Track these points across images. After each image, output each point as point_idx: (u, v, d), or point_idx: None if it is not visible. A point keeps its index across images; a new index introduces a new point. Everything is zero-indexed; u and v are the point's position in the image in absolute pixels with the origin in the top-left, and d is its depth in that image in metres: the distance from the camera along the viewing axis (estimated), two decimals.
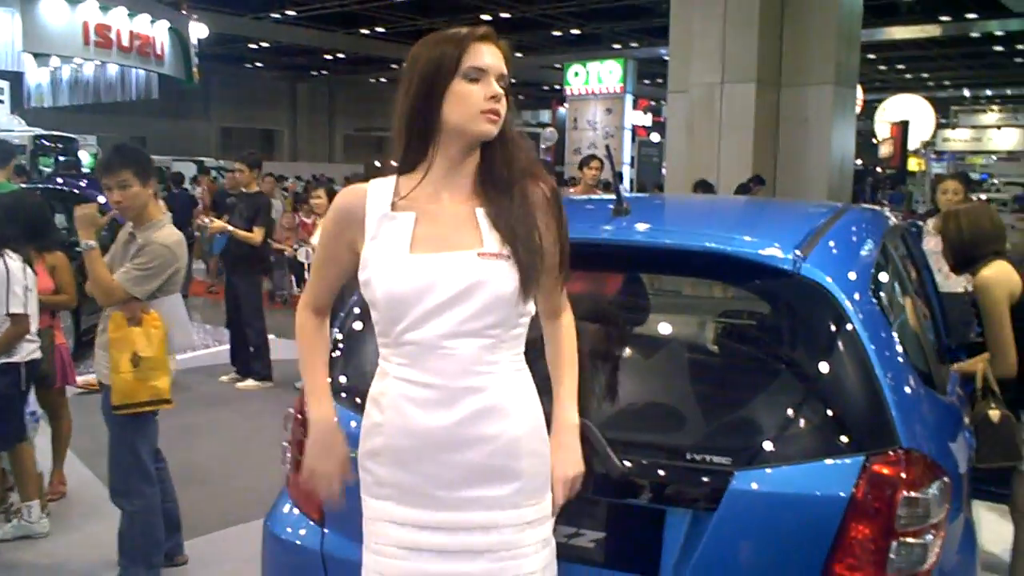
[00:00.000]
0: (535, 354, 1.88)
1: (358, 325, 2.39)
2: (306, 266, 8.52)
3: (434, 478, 1.74)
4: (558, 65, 24.27)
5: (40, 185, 9.14)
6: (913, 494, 1.87)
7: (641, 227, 2.38)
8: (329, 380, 1.98)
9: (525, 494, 1.76)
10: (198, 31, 19.59)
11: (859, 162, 17.43)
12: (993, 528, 3.88)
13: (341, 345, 2.43)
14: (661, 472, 1.96)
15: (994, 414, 3.07)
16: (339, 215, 1.87)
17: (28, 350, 4.07)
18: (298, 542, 2.35)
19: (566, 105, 23.19)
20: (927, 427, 2.09)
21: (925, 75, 35.57)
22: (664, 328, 2.67)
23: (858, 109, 12.55)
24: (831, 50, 10.39)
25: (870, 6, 12.36)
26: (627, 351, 2.39)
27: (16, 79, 17.85)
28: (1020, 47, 27.97)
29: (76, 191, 8.40)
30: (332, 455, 1.89)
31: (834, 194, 10.46)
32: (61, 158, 17.12)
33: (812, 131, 10.55)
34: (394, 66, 35.44)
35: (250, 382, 7.43)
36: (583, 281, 2.35)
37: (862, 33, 11.53)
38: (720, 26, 10.35)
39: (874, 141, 24.12)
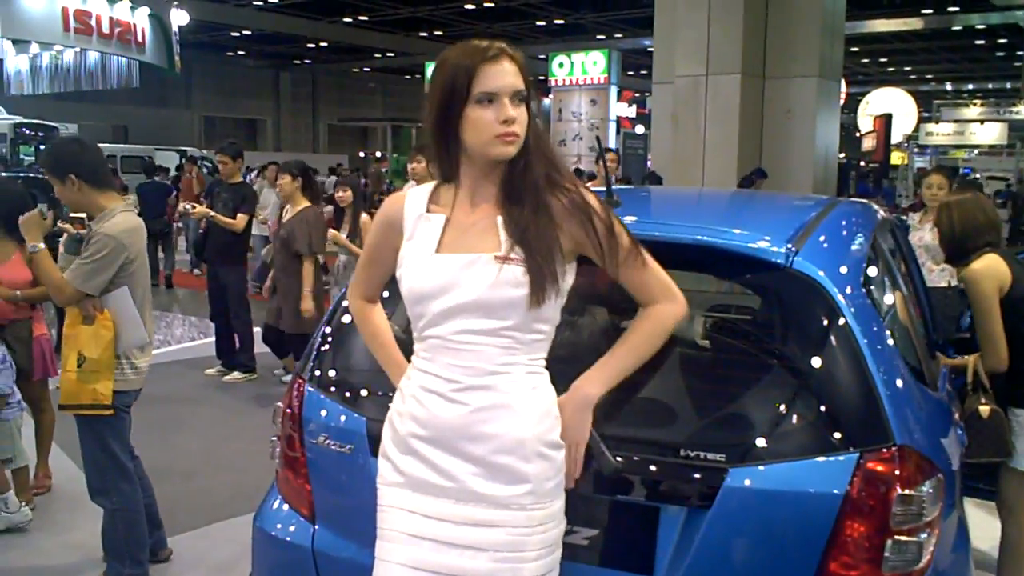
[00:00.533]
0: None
1: (346, 319, 2.36)
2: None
3: (445, 469, 1.80)
4: (543, 56, 24.21)
5: (21, 174, 9.04)
6: (907, 491, 1.87)
7: (631, 220, 2.36)
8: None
9: (534, 497, 1.79)
10: (179, 18, 19.34)
11: (842, 155, 17.47)
12: (980, 524, 3.89)
13: (330, 339, 2.41)
14: (655, 469, 1.95)
15: (984, 409, 3.08)
16: (382, 224, 2.00)
17: None
18: (288, 539, 2.33)
19: (551, 96, 23.11)
20: (920, 423, 2.08)
21: (907, 68, 35.82)
22: None
23: (841, 102, 12.58)
24: (815, 42, 10.42)
25: None
26: None
27: None
28: (1002, 41, 28.19)
29: None
30: None
31: (819, 187, 10.50)
32: (42, 147, 16.93)
33: (796, 123, 10.58)
34: (377, 55, 35.34)
35: (236, 375, 7.38)
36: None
37: (845, 26, 11.56)
38: (705, 17, 10.34)
39: (857, 134, 24.24)
